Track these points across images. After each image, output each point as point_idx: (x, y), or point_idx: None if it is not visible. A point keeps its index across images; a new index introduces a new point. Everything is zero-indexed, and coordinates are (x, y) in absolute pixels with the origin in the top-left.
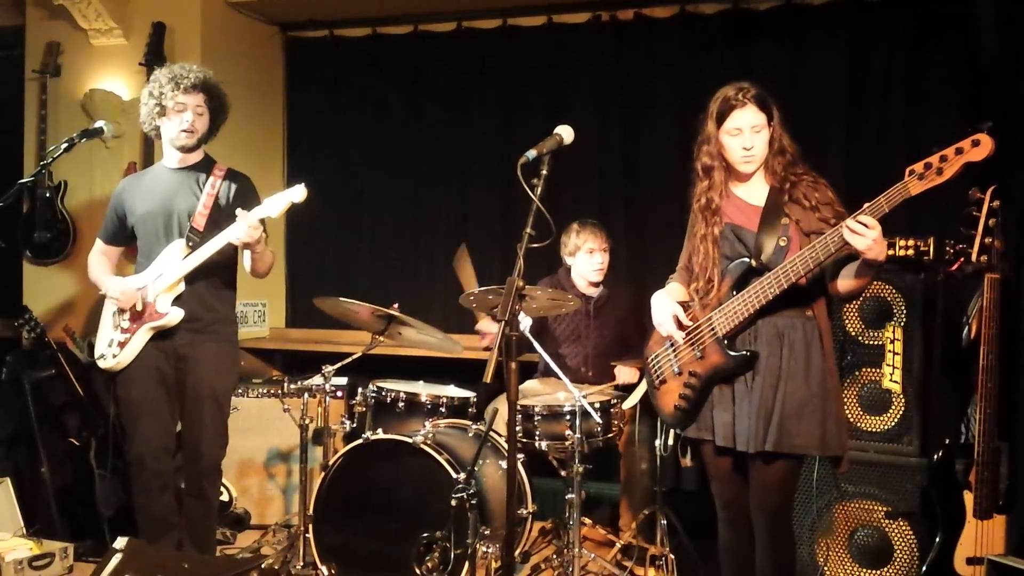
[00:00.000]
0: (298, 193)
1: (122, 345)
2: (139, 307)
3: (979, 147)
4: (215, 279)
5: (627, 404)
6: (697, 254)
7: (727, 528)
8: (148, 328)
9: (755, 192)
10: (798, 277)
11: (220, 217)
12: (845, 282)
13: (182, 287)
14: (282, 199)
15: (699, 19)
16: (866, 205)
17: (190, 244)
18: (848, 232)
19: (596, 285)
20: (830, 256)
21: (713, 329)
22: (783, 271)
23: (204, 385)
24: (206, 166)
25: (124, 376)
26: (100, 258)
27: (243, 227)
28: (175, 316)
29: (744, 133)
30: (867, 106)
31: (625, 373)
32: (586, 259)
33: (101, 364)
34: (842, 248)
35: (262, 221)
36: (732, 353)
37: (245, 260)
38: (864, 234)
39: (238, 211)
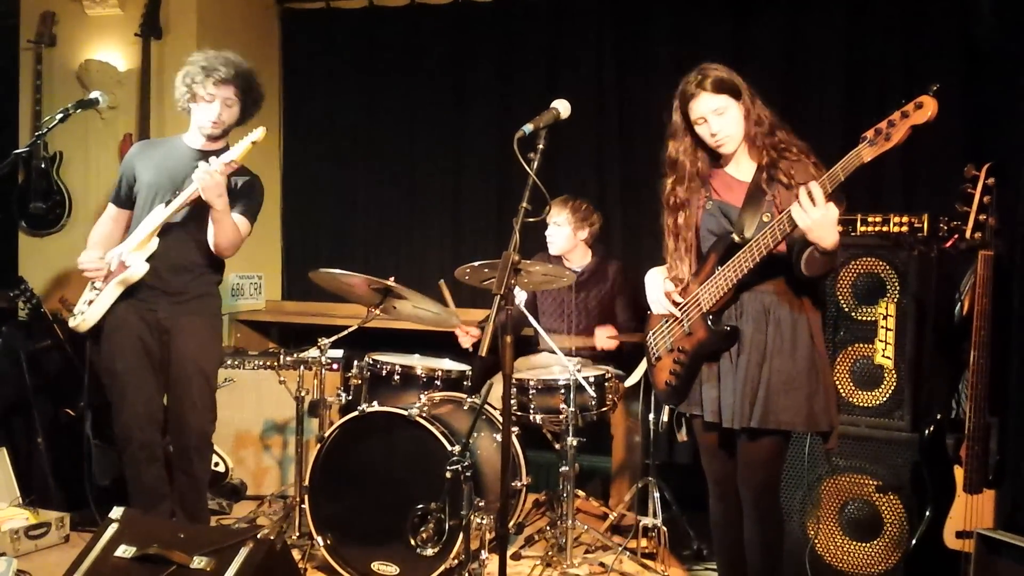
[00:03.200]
0: (258, 133)
1: (90, 303)
2: (113, 268)
3: (922, 109)
4: (201, 254)
5: (629, 382)
6: (666, 248)
7: (717, 502)
8: (115, 284)
9: (743, 168)
10: (762, 255)
11: None
12: (803, 267)
13: (155, 244)
14: (244, 142)
15: None
16: (824, 175)
17: (167, 204)
18: (795, 208)
19: (566, 259)
20: (787, 235)
21: (699, 304)
22: (753, 246)
23: (189, 359)
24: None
25: (108, 348)
26: (107, 223)
27: (200, 172)
28: (139, 268)
29: (708, 120)
30: (864, 82)
31: (601, 336)
32: (548, 231)
33: (71, 323)
34: (795, 228)
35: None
36: (713, 328)
37: (209, 233)
38: (807, 209)
39: (200, 162)
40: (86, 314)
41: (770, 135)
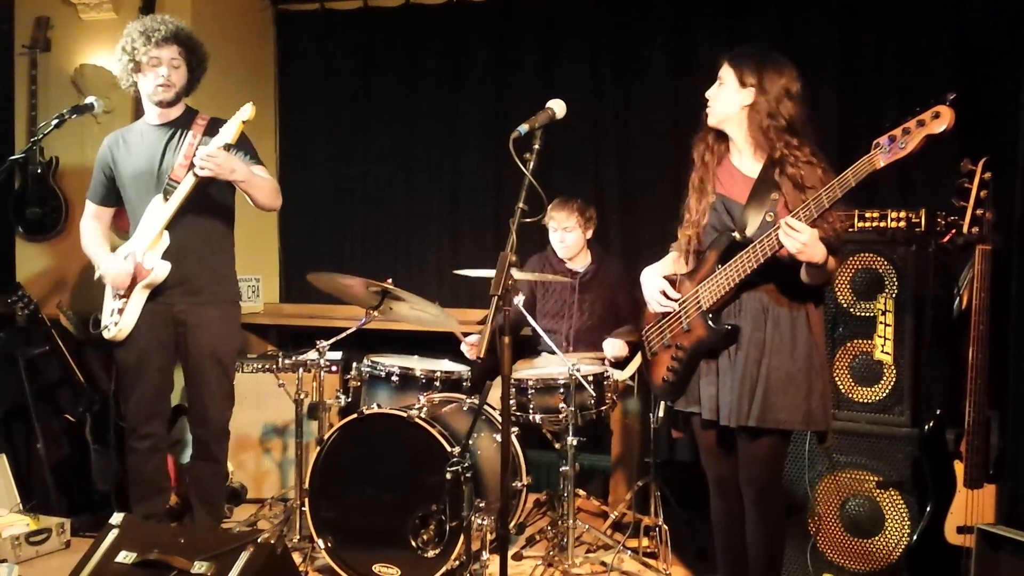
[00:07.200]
0: (246, 111)
1: (121, 312)
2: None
3: (939, 119)
4: (210, 238)
5: (623, 375)
6: (684, 234)
7: (718, 500)
8: (141, 288)
9: (747, 162)
10: (766, 256)
11: None
12: (803, 275)
13: (167, 240)
14: (232, 122)
15: None
16: (834, 180)
17: (167, 197)
18: (782, 233)
19: (570, 260)
20: (775, 251)
21: (699, 302)
22: (758, 247)
23: (207, 349)
24: (188, 119)
25: (124, 342)
26: (92, 224)
27: (199, 161)
28: (162, 270)
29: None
30: (859, 79)
31: (613, 346)
32: (554, 236)
33: (105, 335)
34: (781, 247)
35: (227, 146)
36: (713, 326)
37: (247, 197)
38: (793, 236)
39: (197, 148)
40: (120, 324)
41: (786, 131)
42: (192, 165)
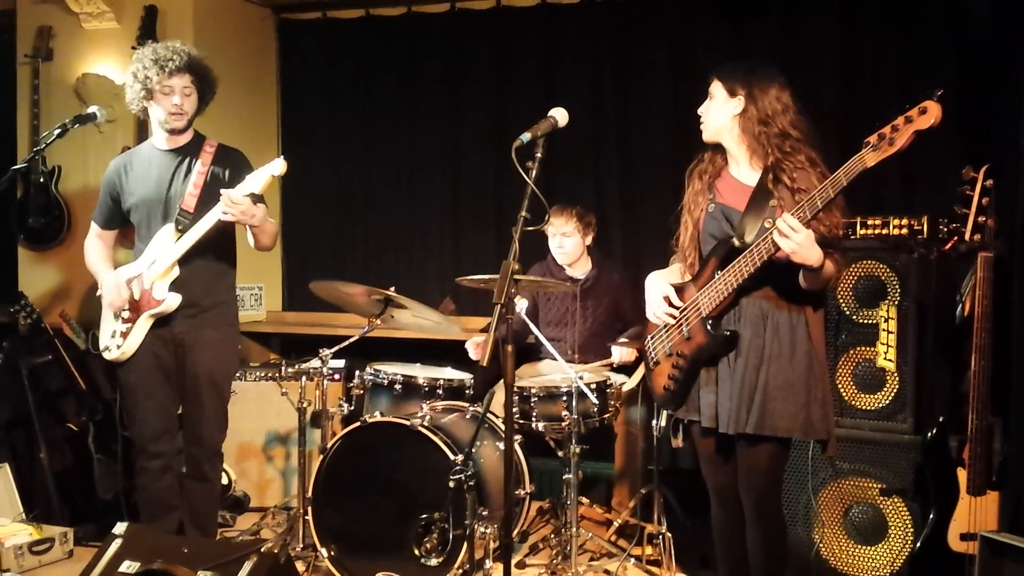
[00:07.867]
0: (278, 166)
1: (125, 335)
2: (136, 296)
3: (926, 114)
4: (212, 262)
5: (628, 385)
6: (683, 237)
7: (718, 509)
8: (148, 316)
9: (746, 172)
10: (763, 260)
11: (213, 196)
12: (801, 281)
13: (177, 271)
14: (263, 174)
15: None
16: (826, 181)
17: (180, 227)
18: (776, 235)
19: (570, 266)
20: (772, 254)
21: (698, 309)
22: (754, 251)
23: (204, 371)
24: (196, 145)
25: (126, 362)
26: (96, 243)
27: (224, 205)
28: (173, 301)
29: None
30: (860, 85)
31: (620, 353)
32: (553, 242)
33: (107, 356)
34: (778, 250)
35: (252, 195)
36: (712, 332)
37: (248, 236)
38: (789, 236)
39: (222, 191)
40: (123, 347)
41: (780, 137)
42: (202, 195)
